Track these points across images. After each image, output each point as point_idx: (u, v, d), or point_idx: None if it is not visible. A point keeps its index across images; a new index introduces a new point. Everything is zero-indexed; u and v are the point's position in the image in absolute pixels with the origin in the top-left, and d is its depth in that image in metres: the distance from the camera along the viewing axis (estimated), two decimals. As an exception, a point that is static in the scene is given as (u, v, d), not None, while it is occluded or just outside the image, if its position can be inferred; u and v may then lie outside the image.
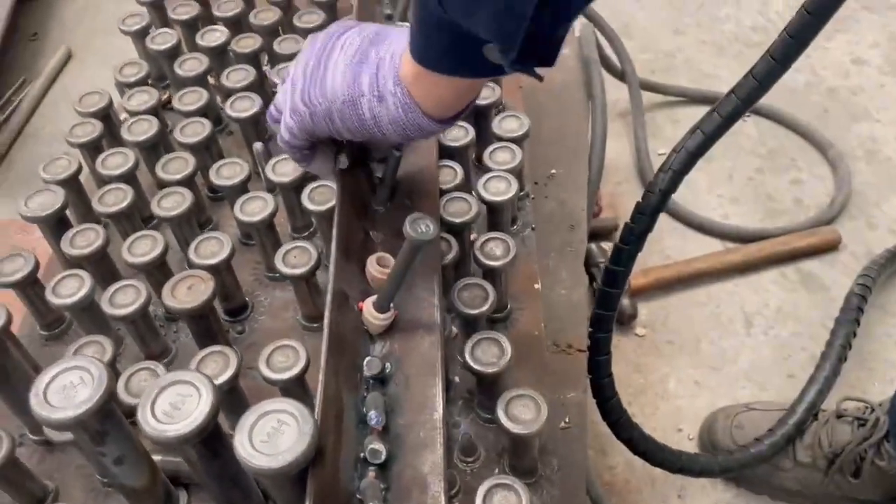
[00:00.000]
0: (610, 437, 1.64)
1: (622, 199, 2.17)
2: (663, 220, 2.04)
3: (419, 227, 0.74)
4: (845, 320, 1.60)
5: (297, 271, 0.94)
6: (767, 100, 2.45)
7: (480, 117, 1.16)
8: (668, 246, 2.03)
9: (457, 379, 0.97)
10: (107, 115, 1.19)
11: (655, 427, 1.68)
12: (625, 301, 1.81)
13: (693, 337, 1.83)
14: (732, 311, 1.88)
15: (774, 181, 2.19)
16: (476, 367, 0.85)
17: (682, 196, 2.06)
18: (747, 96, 0.90)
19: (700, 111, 2.53)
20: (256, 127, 1.18)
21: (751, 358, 1.77)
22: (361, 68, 0.77)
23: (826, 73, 2.51)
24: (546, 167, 1.59)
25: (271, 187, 1.10)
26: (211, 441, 0.69)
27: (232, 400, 0.88)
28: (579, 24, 2.06)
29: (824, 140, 2.24)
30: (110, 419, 0.69)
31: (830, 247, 1.96)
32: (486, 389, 0.90)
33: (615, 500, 1.55)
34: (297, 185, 1.05)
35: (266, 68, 1.28)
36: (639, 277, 1.88)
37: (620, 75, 2.31)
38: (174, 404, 0.66)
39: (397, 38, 0.78)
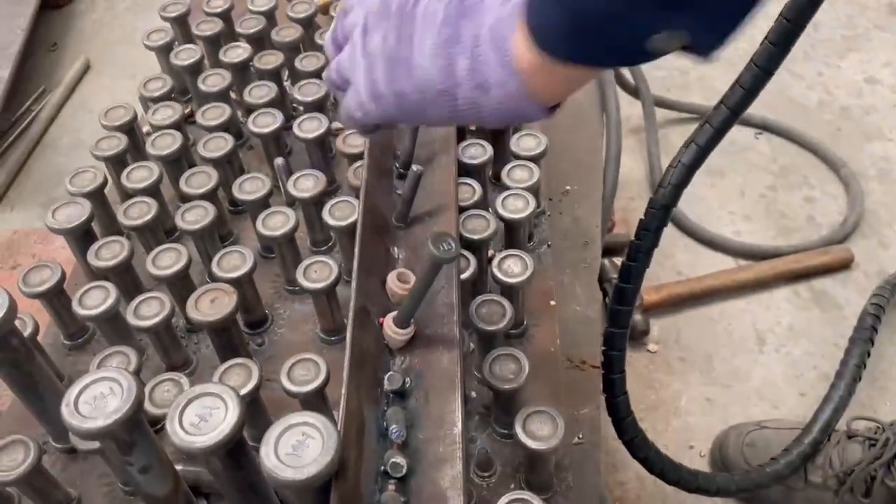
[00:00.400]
0: (621, 452, 1.64)
1: (635, 214, 2.18)
2: (675, 236, 2.06)
3: (441, 245, 0.76)
4: (859, 339, 1.60)
5: (318, 286, 0.96)
6: (780, 117, 2.49)
7: (498, 135, 1.18)
8: (680, 262, 2.04)
9: (473, 394, 0.98)
10: (131, 129, 1.21)
11: (667, 444, 1.69)
12: (637, 317, 1.82)
13: (705, 354, 1.84)
14: (744, 328, 1.88)
15: (787, 198, 2.19)
16: (494, 382, 0.87)
17: (695, 212, 2.07)
18: (736, 105, 0.92)
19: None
20: (277, 142, 1.20)
21: (763, 375, 1.77)
22: (455, 50, 0.66)
23: (839, 91, 2.52)
24: (560, 183, 1.61)
25: (291, 202, 1.12)
26: (235, 452, 0.71)
27: (253, 411, 0.89)
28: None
29: (837, 158, 2.25)
30: (138, 429, 0.71)
31: (843, 265, 1.96)
32: (503, 405, 0.91)
33: (626, 516, 1.56)
34: (318, 201, 1.06)
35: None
36: (651, 294, 1.89)
37: (634, 92, 2.33)
38: (202, 416, 0.68)
39: (490, 8, 0.65)
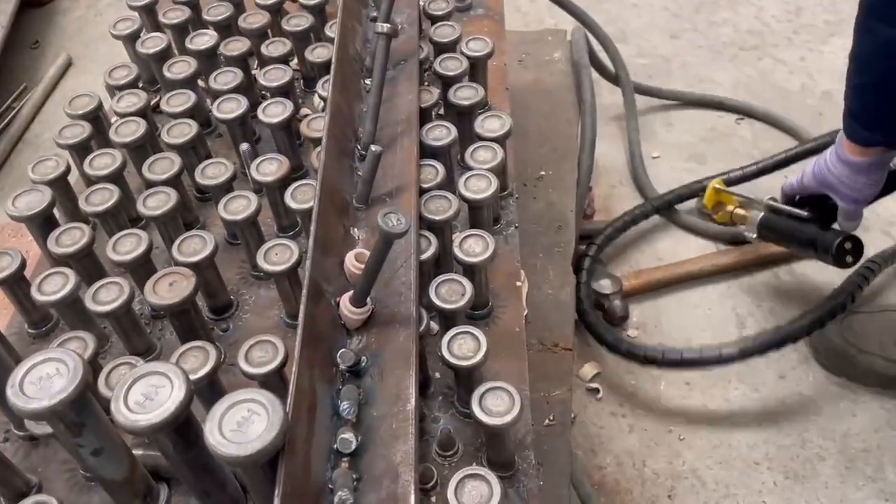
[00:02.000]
0: (599, 436, 1.65)
1: (616, 202, 2.18)
2: (655, 221, 2.05)
3: (390, 220, 0.75)
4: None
5: (279, 268, 0.95)
6: (762, 102, 2.47)
7: (463, 117, 1.17)
8: (660, 248, 2.04)
9: (437, 374, 0.97)
10: (96, 117, 1.20)
11: (647, 428, 1.68)
12: (617, 302, 1.82)
13: (685, 338, 1.83)
14: (724, 312, 1.88)
15: (768, 183, 2.19)
16: (453, 360, 0.86)
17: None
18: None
19: (694, 114, 2.56)
20: (243, 128, 1.20)
21: (742, 359, 1.77)
22: None
23: (821, 76, 2.52)
24: (535, 169, 1.61)
25: (258, 188, 1.11)
26: (185, 431, 0.70)
27: (212, 395, 0.89)
28: (570, 28, 2.08)
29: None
30: (87, 410, 0.70)
31: (823, 248, 1.96)
32: (464, 384, 0.91)
33: (605, 500, 1.56)
34: (282, 185, 1.06)
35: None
36: (631, 279, 1.89)
37: (615, 79, 2.32)
38: (147, 395, 0.67)
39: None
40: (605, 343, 1.69)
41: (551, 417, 1.21)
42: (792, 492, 1.55)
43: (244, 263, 1.12)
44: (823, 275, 1.93)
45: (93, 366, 0.84)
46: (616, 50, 2.29)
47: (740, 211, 1.78)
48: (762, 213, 1.68)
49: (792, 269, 1.95)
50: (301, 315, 0.77)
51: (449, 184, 1.08)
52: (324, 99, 1.19)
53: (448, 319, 0.97)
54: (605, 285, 1.81)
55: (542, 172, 1.60)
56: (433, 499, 0.86)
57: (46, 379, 0.68)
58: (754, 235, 1.70)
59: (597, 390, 1.74)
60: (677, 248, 2.03)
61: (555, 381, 1.26)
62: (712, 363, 1.62)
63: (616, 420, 1.69)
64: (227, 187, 1.08)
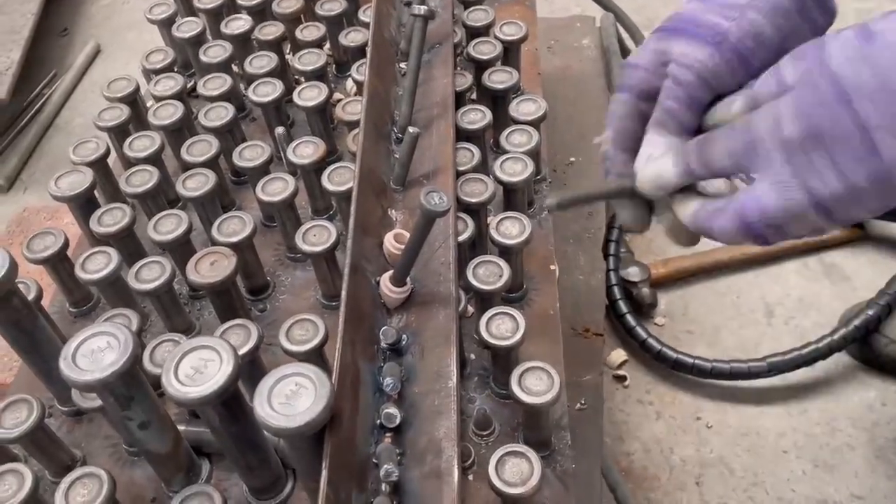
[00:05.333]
0: (627, 423, 1.65)
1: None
2: (683, 210, 2.04)
3: (433, 199, 0.76)
4: None
5: (317, 249, 0.96)
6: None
7: (498, 100, 1.17)
8: (688, 236, 2.03)
9: (472, 356, 0.98)
10: (134, 101, 1.22)
11: (674, 415, 1.68)
12: (645, 290, 1.82)
13: (713, 327, 1.83)
14: (753, 301, 1.87)
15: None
16: (490, 341, 0.87)
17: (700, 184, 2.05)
18: None
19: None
20: (278, 112, 1.21)
21: (771, 348, 1.76)
22: None
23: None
24: (564, 155, 1.61)
25: (293, 170, 1.12)
26: (231, 405, 0.71)
27: (253, 372, 0.90)
28: (599, 15, 2.07)
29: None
30: (136, 383, 0.72)
31: (854, 237, 1.94)
32: (501, 364, 0.91)
33: (632, 486, 1.56)
34: (318, 167, 1.07)
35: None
36: (658, 267, 1.89)
37: (641, 67, 2.30)
38: (197, 368, 0.69)
39: None
40: (637, 341, 1.70)
41: (583, 402, 1.21)
42: (821, 480, 1.55)
43: (280, 245, 1.14)
44: (852, 264, 1.92)
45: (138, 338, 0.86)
46: (643, 38, 2.28)
47: None
48: None
49: (821, 259, 1.94)
50: (344, 292, 0.78)
51: (483, 167, 1.08)
52: (358, 83, 1.20)
53: (484, 301, 0.97)
54: (633, 273, 1.81)
55: (572, 159, 1.59)
56: (470, 477, 0.86)
57: (98, 352, 0.69)
58: None
59: (624, 377, 1.74)
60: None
61: (586, 366, 1.26)
62: (741, 377, 1.63)
63: (643, 407, 1.70)
64: (264, 169, 1.09)
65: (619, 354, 1.78)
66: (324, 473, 0.64)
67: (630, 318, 1.72)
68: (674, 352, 1.67)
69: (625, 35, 2.20)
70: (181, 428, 0.85)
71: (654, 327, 1.82)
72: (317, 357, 0.87)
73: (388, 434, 0.74)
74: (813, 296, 1.86)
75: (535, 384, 0.82)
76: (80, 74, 2.73)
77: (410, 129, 0.95)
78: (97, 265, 0.96)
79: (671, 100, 0.65)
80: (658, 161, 0.65)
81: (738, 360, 1.64)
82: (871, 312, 1.62)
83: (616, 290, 1.75)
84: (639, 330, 1.70)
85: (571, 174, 1.56)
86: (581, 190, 0.77)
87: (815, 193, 0.55)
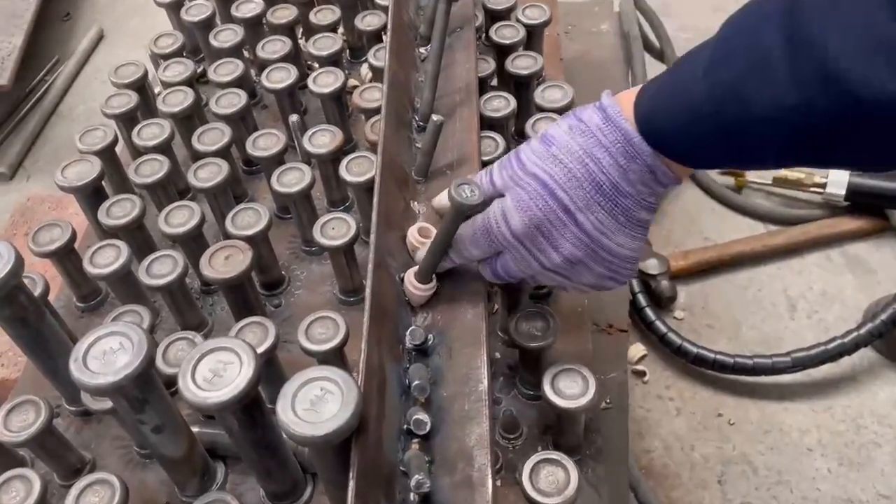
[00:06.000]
0: (647, 420, 1.61)
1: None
2: (702, 200, 2.00)
3: (464, 191, 0.71)
4: None
5: (336, 243, 0.92)
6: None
7: (522, 88, 1.12)
8: (707, 228, 1.98)
9: (497, 354, 0.94)
10: (142, 87, 1.17)
11: (695, 411, 1.64)
12: (664, 283, 1.77)
13: (733, 321, 1.78)
14: (775, 294, 1.83)
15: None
16: (521, 340, 0.83)
17: (724, 178, 2.01)
18: None
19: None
20: (292, 99, 1.16)
21: (794, 342, 1.72)
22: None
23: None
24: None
25: (307, 160, 1.08)
26: (251, 409, 0.67)
27: (270, 372, 0.86)
28: (619, 1, 2.01)
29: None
30: (150, 386, 0.68)
31: (878, 229, 1.89)
32: (530, 365, 0.87)
33: (653, 484, 1.52)
34: (334, 157, 1.02)
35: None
36: (678, 260, 1.84)
37: (660, 55, 2.25)
38: (215, 371, 0.64)
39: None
40: (657, 335, 1.66)
41: (607, 400, 1.17)
42: (847, 479, 1.51)
43: (294, 238, 1.09)
44: (876, 256, 1.87)
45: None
46: (661, 24, 2.22)
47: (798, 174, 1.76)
48: (848, 172, 1.65)
49: (845, 251, 1.89)
50: (368, 290, 0.73)
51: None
52: (374, 69, 1.15)
53: (511, 298, 0.93)
54: (651, 265, 1.77)
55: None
56: (498, 482, 0.82)
57: (110, 353, 0.65)
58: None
59: (643, 372, 1.70)
60: (722, 227, 1.98)
61: (610, 364, 1.21)
62: (765, 373, 1.59)
63: (663, 403, 1.66)
64: (278, 159, 1.05)
65: (637, 349, 1.73)
66: (351, 484, 0.60)
67: (649, 312, 1.68)
68: (694, 346, 1.62)
69: (644, 23, 2.14)
70: (195, 430, 0.81)
71: (673, 321, 1.78)
72: (336, 357, 0.83)
73: (415, 440, 0.70)
74: (836, 289, 1.82)
75: (569, 387, 0.78)
76: (84, 60, 2.68)
77: (434, 117, 0.90)
78: (106, 259, 0.92)
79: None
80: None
81: (761, 355, 1.60)
82: None
83: (635, 283, 1.71)
84: (658, 324, 1.66)
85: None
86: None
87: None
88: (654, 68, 2.29)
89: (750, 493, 1.51)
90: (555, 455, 0.72)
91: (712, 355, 1.61)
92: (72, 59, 2.65)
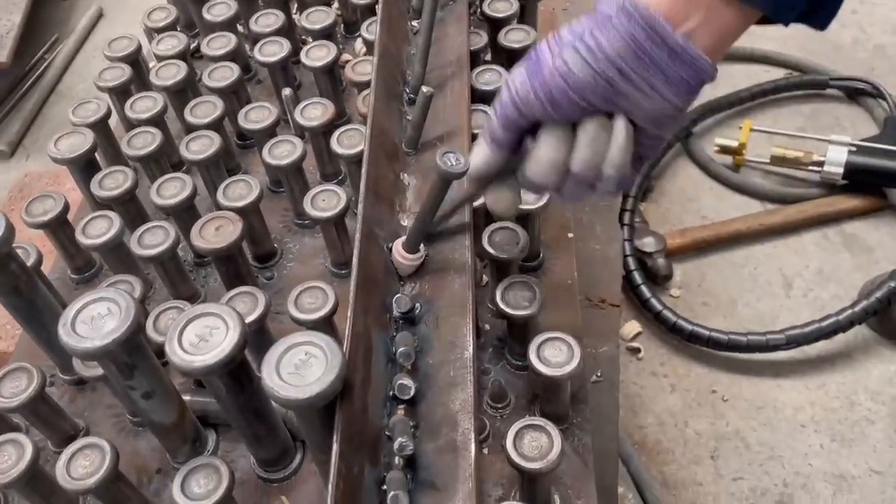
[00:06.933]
0: (641, 396, 1.62)
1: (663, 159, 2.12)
2: (700, 179, 2.00)
3: (449, 159, 0.72)
4: None
5: (326, 214, 0.93)
6: (813, 56, 2.38)
7: (514, 61, 1.12)
8: (704, 206, 1.98)
9: (487, 326, 0.95)
10: (136, 61, 1.17)
11: (689, 388, 1.65)
12: (660, 261, 1.77)
13: (729, 298, 1.79)
14: (771, 272, 1.83)
15: (817, 141, 2.11)
16: (508, 310, 0.83)
17: (722, 157, 2.00)
18: None
19: (746, 69, 2.46)
20: (285, 73, 1.16)
21: (789, 320, 1.72)
22: None
23: (873, 29, 2.41)
24: (580, 121, 1.56)
25: (300, 133, 1.08)
26: (238, 374, 0.68)
27: (260, 342, 0.87)
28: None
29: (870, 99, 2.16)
30: (138, 351, 0.69)
31: (876, 207, 1.89)
32: (518, 335, 0.88)
33: (645, 459, 1.53)
34: (326, 130, 1.02)
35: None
36: (675, 237, 1.84)
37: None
38: (201, 336, 0.65)
39: None
40: (652, 312, 1.67)
41: (598, 374, 1.18)
42: (839, 455, 1.52)
43: (287, 211, 1.10)
44: (874, 235, 1.87)
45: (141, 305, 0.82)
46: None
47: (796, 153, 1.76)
48: (846, 151, 1.65)
49: (842, 230, 1.89)
50: (355, 258, 0.74)
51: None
52: (368, 42, 1.15)
53: (500, 269, 0.93)
54: (648, 243, 1.77)
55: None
56: (485, 450, 0.83)
57: (98, 318, 0.66)
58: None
59: (638, 349, 1.71)
60: (720, 205, 1.98)
61: (602, 338, 1.22)
62: (759, 350, 1.60)
63: (657, 380, 1.66)
64: (270, 132, 1.05)
65: (632, 326, 1.74)
66: (335, 447, 0.61)
67: (645, 290, 1.69)
68: (689, 324, 1.63)
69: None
70: (186, 398, 0.82)
71: (668, 299, 1.78)
72: (326, 326, 0.84)
73: (401, 406, 0.70)
74: (832, 267, 1.82)
75: (555, 355, 0.78)
76: (83, 39, 2.68)
77: (424, 89, 0.90)
78: (99, 230, 0.93)
79: (492, 111, 0.69)
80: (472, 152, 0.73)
81: (756, 332, 1.61)
82: (893, 284, 1.57)
83: (630, 260, 1.72)
84: (654, 301, 1.67)
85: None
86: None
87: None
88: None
89: (742, 469, 1.52)
90: (539, 421, 0.73)
91: (707, 332, 1.61)
92: (71, 38, 2.64)
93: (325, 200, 0.94)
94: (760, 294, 1.79)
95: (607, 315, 1.27)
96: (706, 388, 1.65)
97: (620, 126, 0.64)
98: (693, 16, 0.60)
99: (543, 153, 0.67)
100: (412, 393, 0.69)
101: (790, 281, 1.81)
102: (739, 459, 1.53)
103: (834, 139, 1.88)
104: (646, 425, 1.59)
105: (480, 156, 0.71)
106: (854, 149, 1.83)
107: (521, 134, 0.69)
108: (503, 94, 0.67)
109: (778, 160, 1.92)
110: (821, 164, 1.86)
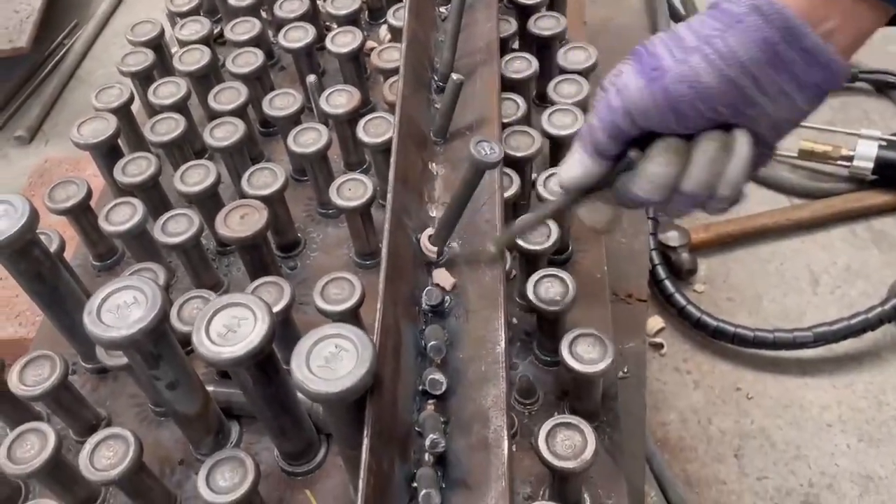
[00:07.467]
0: (664, 392, 1.60)
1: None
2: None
3: (483, 149, 0.70)
4: None
5: (352, 204, 0.91)
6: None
7: (544, 49, 1.10)
8: (729, 200, 1.95)
9: (514, 320, 0.93)
10: (158, 45, 1.16)
11: (713, 385, 1.63)
12: (684, 255, 1.75)
13: (755, 294, 1.76)
14: (798, 268, 1.79)
15: (844, 137, 2.07)
16: (538, 304, 0.81)
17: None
18: None
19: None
20: (309, 59, 1.14)
21: (816, 317, 1.69)
22: None
23: None
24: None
25: (324, 120, 1.06)
26: (265, 366, 0.67)
27: (285, 333, 0.85)
28: (644, -35, 1.97)
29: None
30: (164, 341, 0.67)
31: (905, 203, 1.85)
32: (547, 330, 0.86)
33: (668, 457, 1.51)
34: (352, 118, 1.00)
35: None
36: (700, 232, 1.81)
37: (684, 22, 2.20)
38: (229, 326, 0.64)
39: None
40: (676, 308, 1.64)
41: (625, 370, 1.15)
42: (866, 455, 1.49)
43: (311, 201, 1.08)
44: (904, 232, 1.83)
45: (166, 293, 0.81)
46: (688, -7, 2.17)
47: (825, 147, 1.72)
48: (877, 145, 1.60)
49: (871, 225, 1.85)
50: (384, 248, 0.72)
51: (526, 119, 1.01)
52: (393, 29, 1.13)
53: (530, 263, 0.91)
54: (672, 237, 1.74)
55: (615, 115, 1.51)
56: (513, 448, 0.81)
57: (124, 307, 0.65)
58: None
59: (661, 345, 1.68)
60: (748, 201, 1.94)
61: (629, 333, 1.20)
62: (786, 347, 1.57)
63: (680, 376, 1.64)
64: (295, 119, 1.03)
65: (656, 321, 1.71)
66: (366, 442, 0.60)
67: (669, 284, 1.66)
68: (714, 319, 1.60)
69: (668, -12, 2.09)
70: (210, 388, 0.80)
71: (692, 294, 1.75)
72: (352, 318, 0.82)
73: (431, 401, 0.69)
74: (861, 264, 1.78)
75: (588, 352, 0.76)
76: (103, 24, 2.67)
77: (454, 76, 0.88)
78: (122, 217, 0.91)
79: (595, 118, 0.63)
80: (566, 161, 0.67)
81: (782, 329, 1.58)
82: None
83: (654, 254, 1.69)
84: (678, 296, 1.64)
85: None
86: (520, 220, 0.79)
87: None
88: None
89: (767, 468, 1.50)
90: (572, 419, 0.71)
91: (732, 328, 1.59)
92: (91, 23, 2.63)
93: (350, 190, 0.92)
94: (787, 290, 1.76)
95: (634, 310, 1.25)
96: (730, 386, 1.62)
97: (743, 141, 0.59)
98: (832, 16, 0.56)
99: (654, 169, 0.61)
100: (444, 388, 0.67)
101: (817, 277, 1.78)
102: (764, 458, 1.51)
103: (864, 133, 1.83)
104: (668, 422, 1.57)
105: (579, 166, 0.65)
106: (885, 143, 1.79)
107: (628, 144, 0.63)
108: (613, 101, 0.60)
109: (806, 154, 1.89)
110: (850, 158, 1.82)
